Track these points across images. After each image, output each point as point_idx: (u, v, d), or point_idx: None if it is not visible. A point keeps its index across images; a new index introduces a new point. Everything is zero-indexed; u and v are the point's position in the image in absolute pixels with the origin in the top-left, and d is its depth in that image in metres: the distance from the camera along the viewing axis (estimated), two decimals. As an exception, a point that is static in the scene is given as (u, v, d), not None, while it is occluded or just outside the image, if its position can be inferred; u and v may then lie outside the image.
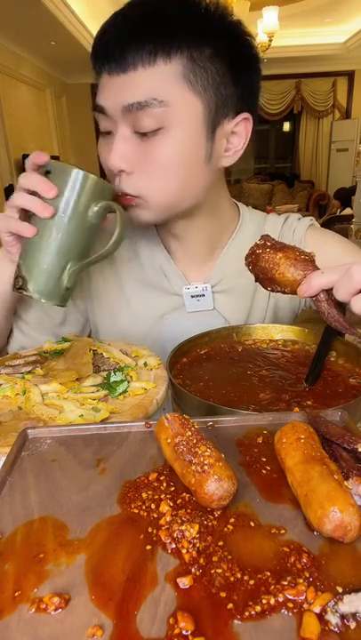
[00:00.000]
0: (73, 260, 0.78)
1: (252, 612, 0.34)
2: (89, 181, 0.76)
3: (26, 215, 0.79)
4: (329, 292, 0.63)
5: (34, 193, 0.76)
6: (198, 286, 1.00)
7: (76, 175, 0.75)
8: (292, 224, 1.06)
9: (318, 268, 0.65)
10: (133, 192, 0.84)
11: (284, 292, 0.69)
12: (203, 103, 0.81)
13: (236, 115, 0.86)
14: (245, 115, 0.86)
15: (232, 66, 0.82)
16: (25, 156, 5.96)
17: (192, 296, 1.00)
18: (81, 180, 0.75)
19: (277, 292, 0.69)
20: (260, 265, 0.69)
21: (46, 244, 0.76)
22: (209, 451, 0.45)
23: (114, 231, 0.78)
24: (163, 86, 0.78)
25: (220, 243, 1.02)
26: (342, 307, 0.65)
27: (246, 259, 0.72)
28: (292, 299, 1.06)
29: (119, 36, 0.77)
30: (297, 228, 1.04)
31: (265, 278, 0.69)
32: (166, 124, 0.79)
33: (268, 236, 0.71)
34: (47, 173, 0.76)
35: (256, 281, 0.72)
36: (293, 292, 0.67)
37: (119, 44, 0.77)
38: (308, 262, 0.66)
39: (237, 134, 0.88)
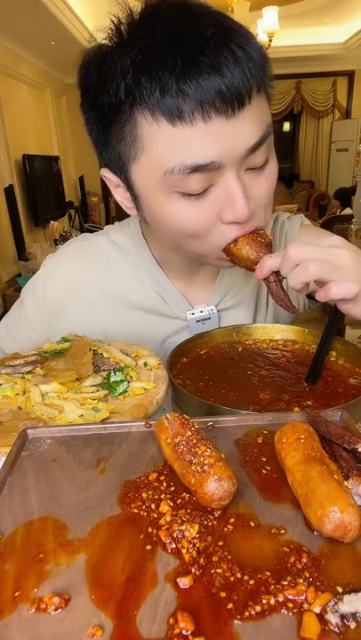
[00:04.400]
0: None
1: (252, 612, 0.34)
2: None
3: None
4: (278, 273, 0.71)
5: None
6: (204, 310, 0.96)
7: None
8: (283, 225, 1.03)
9: (271, 252, 0.72)
10: (256, 225, 0.76)
11: (240, 266, 0.77)
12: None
13: None
14: None
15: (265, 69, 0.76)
16: (25, 156, 5.98)
17: (197, 321, 0.96)
18: None
19: (235, 264, 0.78)
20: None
21: None
22: (209, 451, 0.45)
23: None
24: (267, 109, 0.71)
25: None
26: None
27: None
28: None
29: (220, 62, 0.61)
30: (288, 230, 1.02)
31: (226, 249, 0.76)
32: (271, 147, 0.74)
33: None
34: None
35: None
36: (248, 269, 0.76)
37: (227, 74, 0.62)
38: (263, 245, 0.74)
39: None
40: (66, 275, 1.01)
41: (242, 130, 0.66)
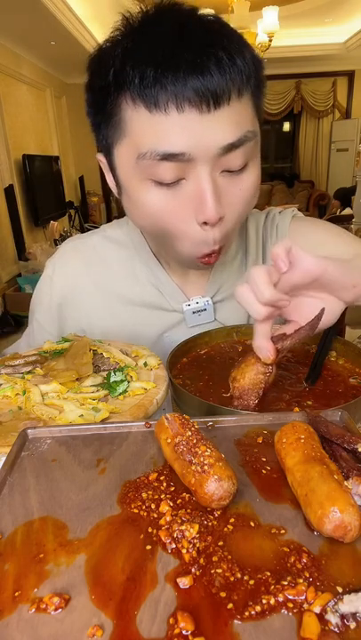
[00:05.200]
0: None
1: (252, 612, 0.34)
2: None
3: None
4: (278, 336, 0.69)
5: None
6: (199, 301, 0.98)
7: None
8: (273, 219, 1.03)
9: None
10: (224, 234, 0.77)
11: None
12: (258, 120, 0.76)
13: None
14: None
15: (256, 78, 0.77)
16: (25, 156, 5.98)
17: (193, 312, 0.98)
18: None
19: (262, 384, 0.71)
20: (243, 389, 0.71)
21: None
22: (209, 451, 0.45)
23: None
24: (252, 116, 0.72)
25: None
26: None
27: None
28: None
29: (202, 62, 0.64)
30: (279, 224, 1.02)
31: (253, 391, 0.71)
32: (253, 156, 0.74)
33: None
34: None
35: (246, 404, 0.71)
36: (264, 374, 0.70)
37: (206, 74, 0.64)
38: (254, 355, 0.70)
39: None
40: (64, 274, 1.03)
41: (216, 127, 0.67)
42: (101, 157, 0.82)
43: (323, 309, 0.68)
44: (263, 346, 0.67)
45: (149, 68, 0.65)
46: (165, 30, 0.67)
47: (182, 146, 0.67)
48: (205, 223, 0.73)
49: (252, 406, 0.69)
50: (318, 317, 0.68)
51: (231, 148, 0.69)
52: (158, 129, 0.67)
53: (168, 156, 0.68)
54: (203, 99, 0.65)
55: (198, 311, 0.98)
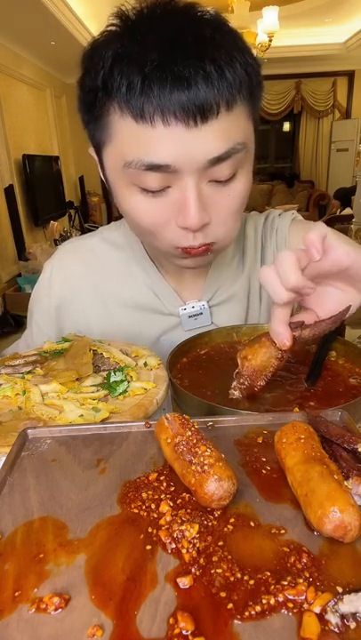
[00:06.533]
0: None
1: (252, 612, 0.34)
2: None
3: None
4: (295, 323, 0.67)
5: None
6: (195, 305, 0.97)
7: None
8: (273, 222, 1.03)
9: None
10: (210, 240, 0.77)
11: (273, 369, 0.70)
12: (253, 126, 0.75)
13: None
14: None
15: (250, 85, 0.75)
16: (25, 156, 5.98)
17: (189, 316, 0.97)
18: None
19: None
20: (252, 369, 0.69)
21: None
22: (209, 451, 0.45)
23: None
24: (243, 127, 0.71)
25: None
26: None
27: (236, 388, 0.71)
28: None
29: (190, 76, 0.62)
30: (279, 227, 1.02)
31: (262, 373, 0.70)
32: (243, 165, 0.73)
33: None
34: None
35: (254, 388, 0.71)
36: (279, 360, 0.69)
37: (193, 88, 0.63)
38: (268, 338, 0.68)
39: None
40: (62, 276, 1.03)
41: (203, 141, 0.66)
42: (92, 153, 0.82)
43: (349, 306, 0.66)
44: (281, 331, 0.65)
45: (137, 78, 0.63)
46: (156, 37, 0.65)
47: (168, 158, 0.67)
48: (186, 228, 0.73)
49: (257, 387, 0.68)
50: (343, 313, 0.66)
51: (218, 160, 0.68)
52: (144, 139, 0.67)
53: (153, 167, 0.68)
54: (189, 113, 0.64)
55: (194, 315, 0.97)
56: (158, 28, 0.66)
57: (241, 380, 0.69)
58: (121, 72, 0.64)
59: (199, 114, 0.64)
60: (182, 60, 0.63)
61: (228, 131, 0.68)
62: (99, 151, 0.78)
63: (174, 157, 0.67)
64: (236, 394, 0.70)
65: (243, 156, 0.72)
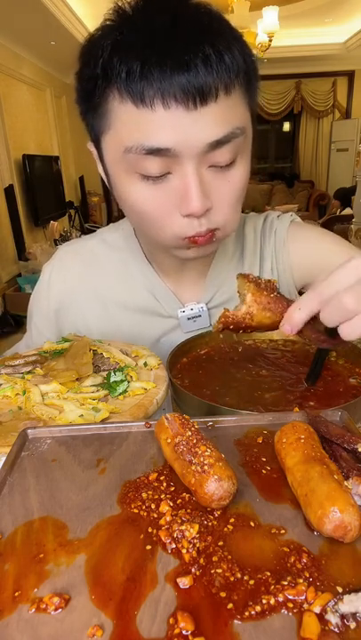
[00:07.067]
0: None
1: (252, 612, 0.34)
2: None
3: None
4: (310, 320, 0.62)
5: None
6: (194, 308, 0.97)
7: None
8: (272, 223, 1.03)
9: (290, 301, 0.65)
10: (214, 226, 0.77)
11: (264, 331, 0.68)
12: (251, 116, 0.76)
13: None
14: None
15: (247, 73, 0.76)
16: (25, 156, 5.98)
17: (188, 318, 0.97)
18: None
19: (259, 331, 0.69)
20: (234, 322, 0.68)
21: None
22: (209, 451, 0.45)
23: None
24: (241, 113, 0.72)
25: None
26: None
27: (217, 326, 0.69)
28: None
29: (189, 59, 0.64)
30: (278, 228, 1.02)
31: (245, 328, 0.68)
32: (242, 152, 0.74)
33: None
34: None
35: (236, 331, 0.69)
36: (274, 328, 0.66)
37: (193, 70, 0.64)
38: (279, 300, 0.65)
39: None
40: (61, 278, 1.03)
41: (203, 125, 0.67)
42: (91, 147, 0.82)
43: None
44: (295, 318, 0.62)
45: (136, 63, 0.64)
46: (154, 23, 0.66)
47: (168, 141, 0.67)
48: (190, 215, 0.73)
49: (230, 328, 0.67)
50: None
51: (218, 144, 0.69)
52: (144, 124, 0.67)
53: (154, 151, 0.68)
54: (189, 95, 0.65)
55: (193, 317, 0.97)
56: (156, 16, 0.67)
57: (227, 313, 0.67)
58: (120, 58, 0.65)
59: (199, 96, 0.65)
60: (182, 44, 0.64)
61: (227, 115, 0.69)
62: (98, 143, 0.78)
63: (175, 141, 0.67)
64: (220, 327, 0.69)
65: (242, 142, 0.73)
